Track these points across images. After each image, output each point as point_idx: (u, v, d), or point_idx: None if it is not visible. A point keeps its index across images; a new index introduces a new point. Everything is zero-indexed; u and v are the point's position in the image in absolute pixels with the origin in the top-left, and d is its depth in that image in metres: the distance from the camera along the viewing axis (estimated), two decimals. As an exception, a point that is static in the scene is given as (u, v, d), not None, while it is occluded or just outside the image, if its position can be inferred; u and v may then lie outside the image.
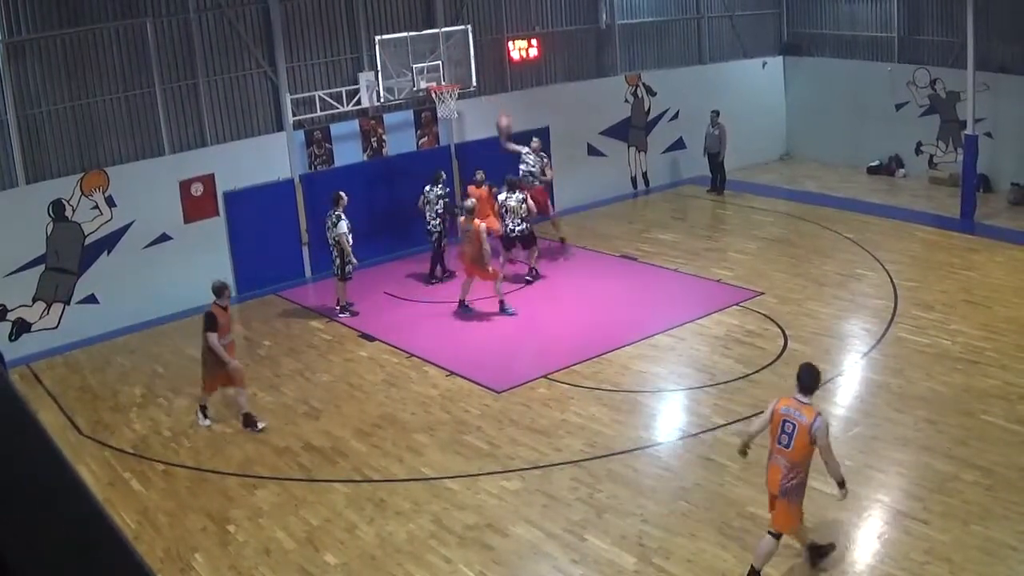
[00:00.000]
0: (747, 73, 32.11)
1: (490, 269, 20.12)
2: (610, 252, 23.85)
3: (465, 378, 17.65)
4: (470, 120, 25.50)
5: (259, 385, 17.76)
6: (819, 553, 11.57)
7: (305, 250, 23.61)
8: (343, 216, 20.18)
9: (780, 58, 33.20)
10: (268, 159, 22.88)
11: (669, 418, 16.24)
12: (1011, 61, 27.57)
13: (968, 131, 25.80)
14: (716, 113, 28.88)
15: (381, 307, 21.43)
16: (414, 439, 15.46)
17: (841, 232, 24.79)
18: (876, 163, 31.11)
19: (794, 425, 10.60)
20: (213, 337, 15.55)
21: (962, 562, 11.51)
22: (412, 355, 18.81)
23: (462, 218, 20.38)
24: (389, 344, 19.44)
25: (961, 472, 13.50)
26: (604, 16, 28.77)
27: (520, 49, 26.69)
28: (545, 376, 17.53)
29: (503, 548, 12.45)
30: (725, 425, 15.31)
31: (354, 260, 20.38)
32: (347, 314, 20.86)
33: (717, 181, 29.23)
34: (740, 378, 17.04)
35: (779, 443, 10.77)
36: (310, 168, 23.57)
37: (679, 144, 30.73)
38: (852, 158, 31.20)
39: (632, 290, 21.50)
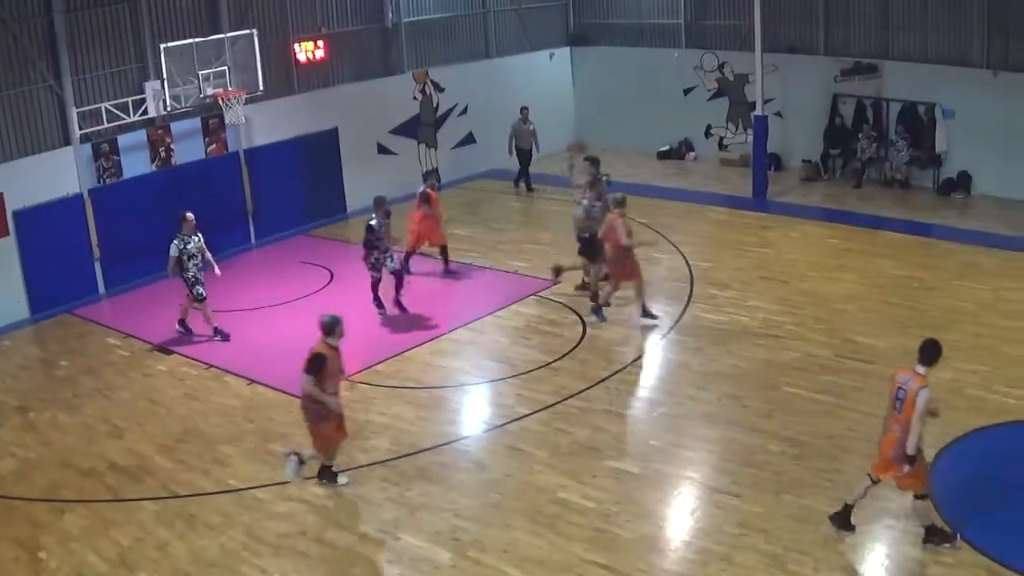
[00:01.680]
0: (535, 65, 32.67)
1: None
2: (405, 250, 23.72)
3: (267, 385, 17.51)
4: (258, 125, 25.21)
5: (59, 406, 17.26)
6: (939, 538, 11.64)
7: (97, 265, 23.00)
8: (175, 238, 19.09)
9: (567, 49, 33.77)
10: (56, 175, 22.05)
11: (474, 411, 16.49)
12: (798, 41, 28.57)
13: (757, 112, 26.67)
14: (526, 109, 29.06)
15: (175, 320, 20.77)
16: (219, 451, 15.26)
17: (634, 217, 25.20)
18: (666, 148, 31.90)
19: (905, 392, 11.17)
20: (308, 380, 13.52)
21: (775, 531, 12.06)
22: (211, 366, 18.50)
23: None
24: (187, 356, 19.04)
25: (768, 444, 14.10)
26: (390, 14, 28.81)
27: (307, 51, 26.50)
28: (347, 378, 17.45)
29: (318, 554, 12.48)
30: (530, 415, 15.62)
31: (199, 288, 19.31)
32: (220, 337, 19.70)
33: (523, 175, 29.37)
34: (542, 367, 17.37)
35: (894, 408, 11.37)
36: (99, 181, 22.91)
37: (469, 139, 31.04)
38: (642, 144, 31.96)
39: (429, 286, 21.52)
